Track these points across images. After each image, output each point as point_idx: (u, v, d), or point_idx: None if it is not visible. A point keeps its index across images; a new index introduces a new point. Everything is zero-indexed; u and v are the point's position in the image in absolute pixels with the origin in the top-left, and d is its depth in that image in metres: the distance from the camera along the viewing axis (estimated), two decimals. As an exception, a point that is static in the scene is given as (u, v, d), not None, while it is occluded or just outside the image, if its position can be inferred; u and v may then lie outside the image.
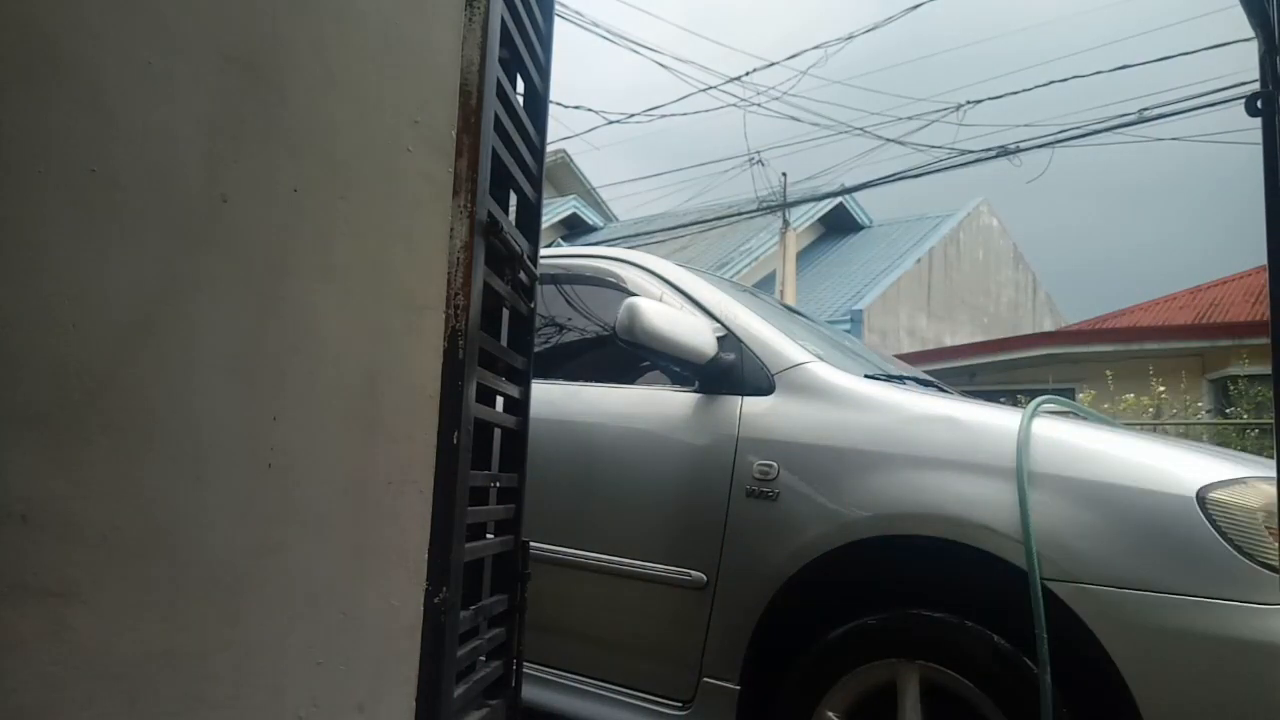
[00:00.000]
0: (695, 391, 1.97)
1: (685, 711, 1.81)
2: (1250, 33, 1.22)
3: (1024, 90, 9.98)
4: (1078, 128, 9.17)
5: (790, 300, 11.42)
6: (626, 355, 2.07)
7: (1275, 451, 1.26)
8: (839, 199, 15.61)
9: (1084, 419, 2.19)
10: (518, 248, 1.33)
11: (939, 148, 10.45)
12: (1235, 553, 1.35)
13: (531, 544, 1.52)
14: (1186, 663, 1.33)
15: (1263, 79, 1.16)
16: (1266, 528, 1.37)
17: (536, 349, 1.74)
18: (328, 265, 0.96)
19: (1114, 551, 1.41)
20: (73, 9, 0.78)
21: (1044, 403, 1.72)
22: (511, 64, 1.37)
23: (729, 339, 1.98)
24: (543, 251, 1.89)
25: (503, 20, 1.20)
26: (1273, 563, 1.34)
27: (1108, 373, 9.60)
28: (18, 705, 0.72)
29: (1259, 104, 1.12)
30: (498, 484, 1.37)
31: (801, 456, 1.75)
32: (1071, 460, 1.52)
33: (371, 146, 1.01)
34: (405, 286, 1.03)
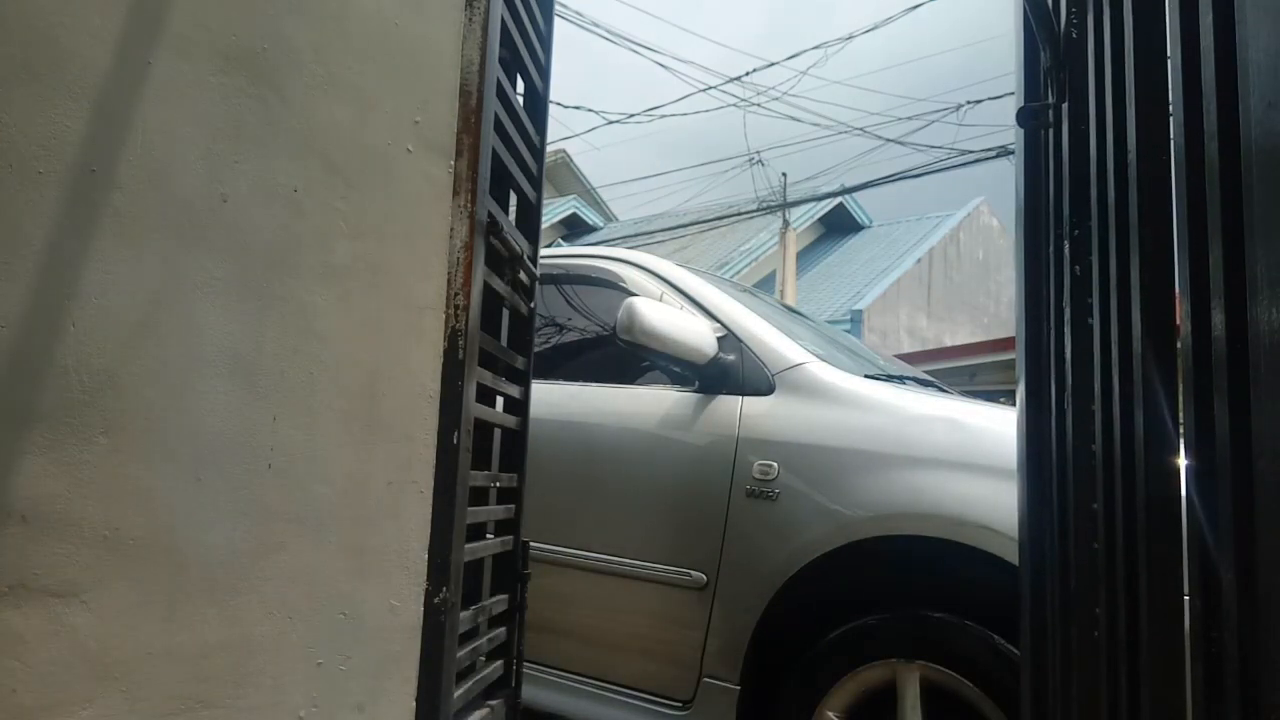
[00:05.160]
0: (695, 391, 1.96)
1: (685, 711, 1.81)
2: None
3: (1024, 90, 9.96)
4: (1077, 128, 9.16)
5: (790, 300, 11.42)
6: (626, 355, 2.07)
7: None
8: (839, 199, 15.61)
9: None
10: (518, 248, 1.33)
11: (939, 148, 10.47)
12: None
13: (532, 544, 1.52)
14: None
15: (1041, 92, 1.20)
16: None
17: (536, 349, 1.74)
18: (328, 265, 0.96)
19: (1114, 551, 1.40)
20: (73, 9, 0.78)
21: None
22: (511, 64, 1.38)
23: (729, 339, 1.98)
24: (543, 251, 1.89)
25: (503, 20, 1.21)
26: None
27: (1108, 373, 9.58)
28: (18, 705, 0.72)
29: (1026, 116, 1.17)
30: (498, 484, 1.37)
31: (801, 456, 1.74)
32: None
33: (371, 146, 1.01)
34: (405, 286, 1.03)
